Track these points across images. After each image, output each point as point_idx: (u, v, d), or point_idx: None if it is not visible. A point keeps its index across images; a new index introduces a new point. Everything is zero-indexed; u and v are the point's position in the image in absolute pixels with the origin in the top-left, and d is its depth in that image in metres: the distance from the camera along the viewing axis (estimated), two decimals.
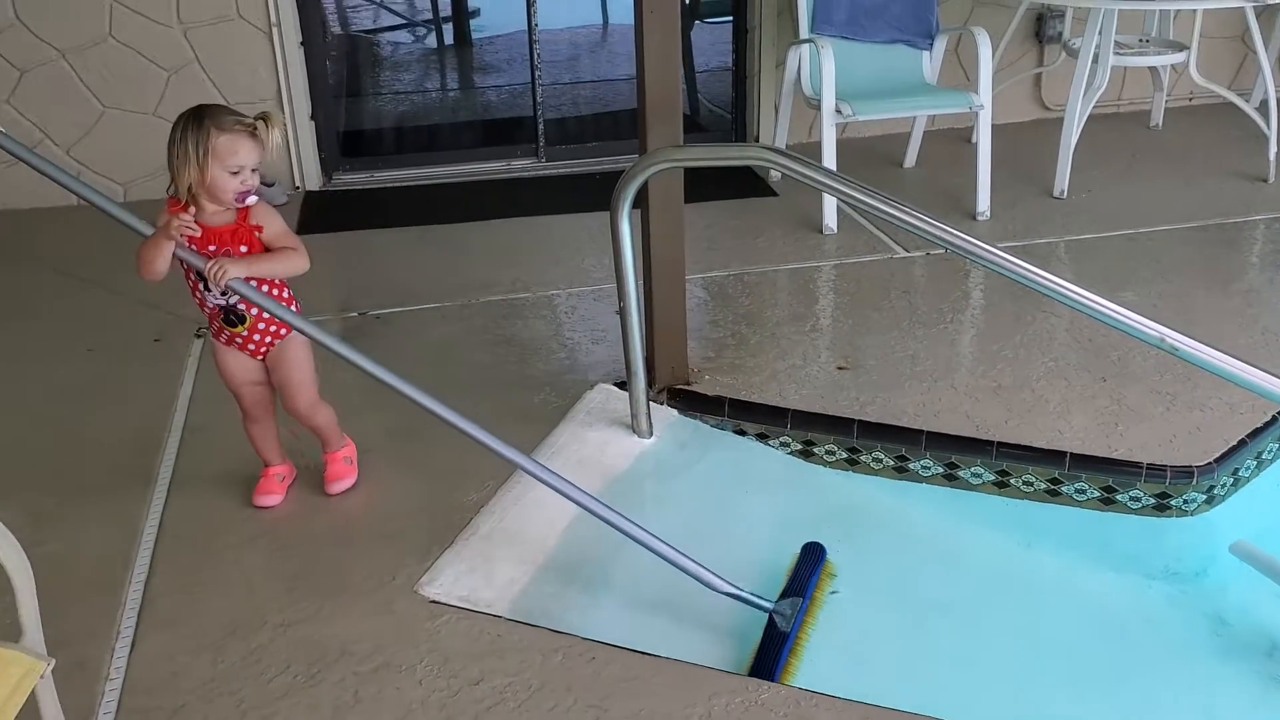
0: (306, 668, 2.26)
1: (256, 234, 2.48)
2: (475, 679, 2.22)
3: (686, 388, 3.22)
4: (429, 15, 8.04)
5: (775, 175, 5.01)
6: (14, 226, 4.68)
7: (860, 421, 3.02)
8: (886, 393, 3.20)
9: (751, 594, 2.39)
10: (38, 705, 1.75)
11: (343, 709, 2.15)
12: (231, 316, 2.57)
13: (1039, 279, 2.26)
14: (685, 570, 2.39)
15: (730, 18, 5.49)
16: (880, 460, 2.95)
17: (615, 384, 3.27)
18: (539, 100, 5.36)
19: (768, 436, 3.05)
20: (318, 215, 4.87)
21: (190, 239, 2.42)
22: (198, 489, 2.86)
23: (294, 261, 2.52)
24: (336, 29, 7.43)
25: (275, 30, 4.86)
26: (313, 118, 5.09)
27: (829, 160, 4.31)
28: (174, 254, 2.40)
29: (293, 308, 2.58)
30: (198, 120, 2.40)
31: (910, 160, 5.14)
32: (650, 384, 3.12)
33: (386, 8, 8.00)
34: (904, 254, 4.21)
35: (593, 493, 2.76)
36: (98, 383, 3.44)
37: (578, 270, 4.19)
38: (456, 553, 2.60)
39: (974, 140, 4.58)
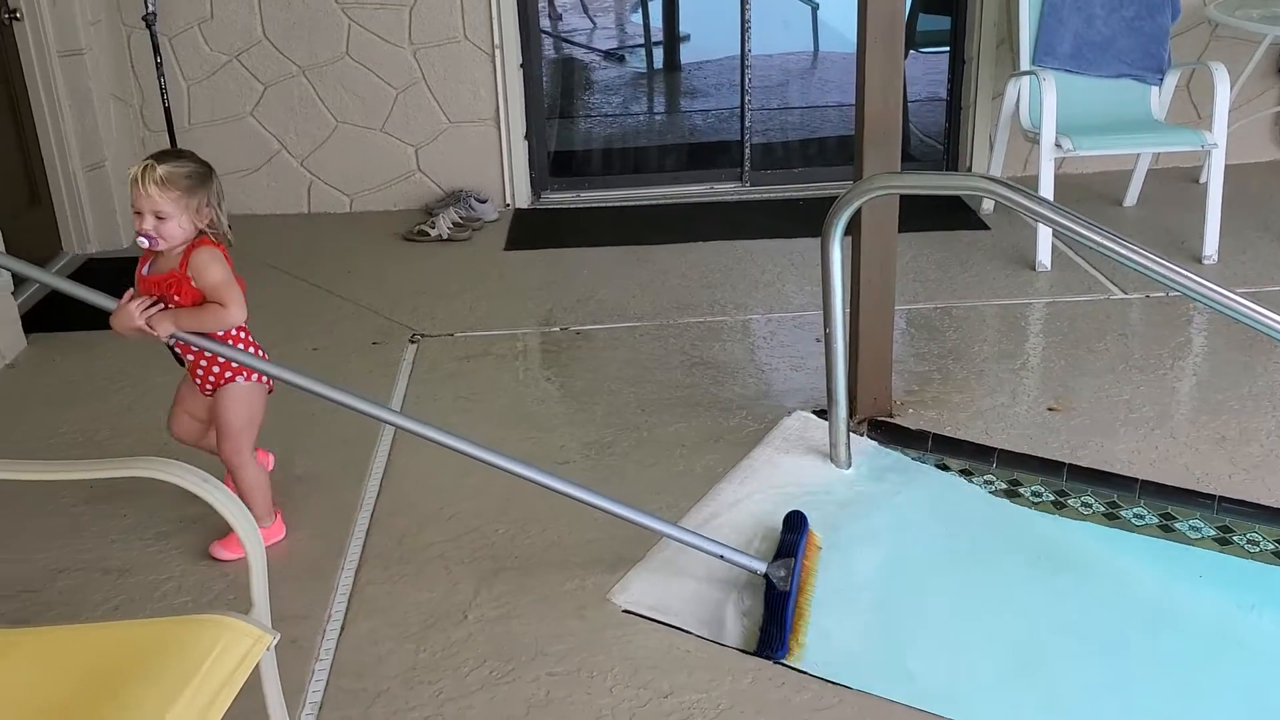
0: (502, 664, 2.32)
1: (189, 283, 2.48)
2: (665, 692, 2.23)
3: (888, 420, 3.16)
4: (640, 40, 8.20)
5: (987, 207, 4.88)
6: (252, 230, 4.99)
7: (1070, 465, 2.91)
8: (1099, 437, 3.06)
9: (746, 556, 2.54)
10: (260, 677, 1.85)
11: (535, 708, 2.20)
12: (175, 356, 2.65)
13: (1273, 324, 2.12)
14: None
15: (947, 48, 5.39)
16: (1090, 506, 2.82)
17: (814, 412, 3.25)
18: (747, 124, 5.38)
19: (971, 474, 2.97)
20: (526, 232, 5.02)
21: (140, 283, 2.51)
22: (407, 485, 2.99)
23: (218, 316, 2.48)
24: (551, 52, 7.67)
25: (498, 52, 5.05)
26: (526, 138, 5.26)
27: (1046, 194, 4.17)
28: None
29: (250, 350, 2.60)
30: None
31: (1131, 199, 4.92)
32: (851, 414, 3.08)
33: (589, 47, 8.20)
34: (1121, 295, 4.03)
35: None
36: (322, 378, 3.63)
37: (778, 295, 4.18)
38: (648, 564, 2.62)
39: (1203, 180, 4.36)
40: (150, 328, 2.44)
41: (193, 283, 2.48)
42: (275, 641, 1.78)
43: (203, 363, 2.61)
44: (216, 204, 2.50)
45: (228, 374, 2.62)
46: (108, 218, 4.81)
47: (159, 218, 2.43)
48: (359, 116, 5.13)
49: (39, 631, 1.83)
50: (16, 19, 4.39)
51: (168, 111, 4.91)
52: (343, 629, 2.44)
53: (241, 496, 2.59)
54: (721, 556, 2.52)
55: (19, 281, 4.06)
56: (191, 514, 2.80)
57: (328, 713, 2.21)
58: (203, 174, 2.48)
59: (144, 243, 2.47)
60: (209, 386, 2.65)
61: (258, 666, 1.78)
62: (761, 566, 2.50)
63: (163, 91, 4.88)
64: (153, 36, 4.79)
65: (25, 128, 4.50)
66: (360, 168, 5.20)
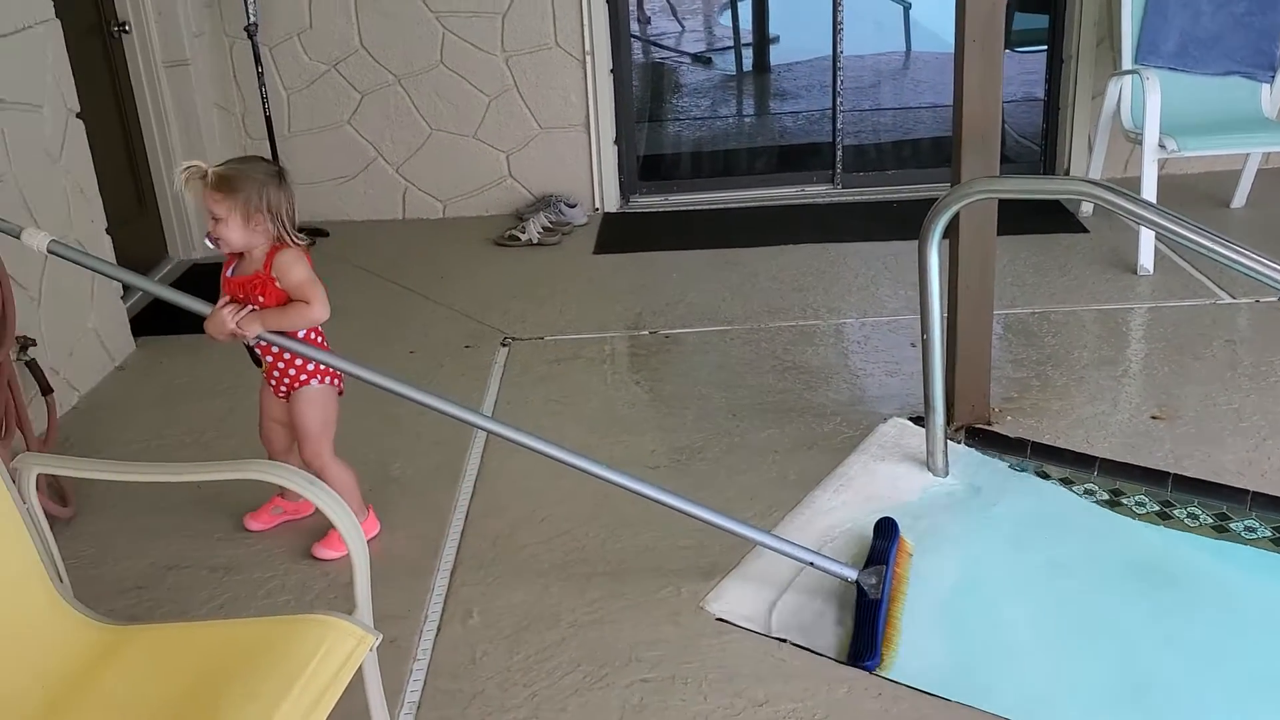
0: (596, 668, 2.33)
1: (274, 284, 2.54)
2: (760, 701, 2.22)
3: (986, 427, 3.11)
4: (729, 43, 8.18)
5: (1086, 210, 4.77)
6: (349, 236, 5.10)
7: (1176, 475, 2.83)
8: (1206, 447, 2.97)
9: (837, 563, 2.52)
10: (362, 677, 1.88)
11: (629, 713, 2.21)
12: (253, 356, 2.70)
13: None
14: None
15: (1045, 47, 5.28)
16: (1196, 517, 2.74)
17: (910, 419, 3.20)
18: (839, 126, 5.34)
19: (1071, 483, 2.90)
20: (615, 236, 5.04)
21: (225, 285, 2.58)
22: (500, 487, 3.02)
23: (303, 314, 2.53)
24: (640, 57, 7.69)
25: (589, 59, 5.09)
26: (616, 142, 5.28)
27: (1149, 197, 4.06)
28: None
29: (322, 349, 2.63)
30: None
31: (1239, 200, 4.77)
32: (948, 421, 3.03)
33: (678, 50, 8.20)
34: (1229, 300, 3.90)
35: None
36: (417, 381, 3.67)
37: (871, 300, 4.13)
38: (742, 573, 2.61)
39: None
40: (240, 330, 2.50)
41: (277, 283, 2.54)
42: (378, 642, 1.81)
43: (280, 364, 2.68)
44: (275, 212, 2.51)
45: (302, 376, 2.68)
46: (207, 234, 4.94)
47: (215, 219, 2.51)
48: (452, 124, 5.20)
49: (152, 629, 1.89)
50: (125, 32, 4.53)
51: (268, 120, 5.03)
52: (439, 630, 2.48)
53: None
54: (812, 564, 2.50)
55: (128, 286, 4.19)
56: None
57: (426, 713, 2.24)
58: (254, 180, 2.49)
59: (209, 244, 2.56)
60: (283, 389, 2.71)
61: (359, 666, 1.82)
62: (853, 574, 2.48)
63: (264, 100, 5.00)
64: (254, 47, 4.92)
65: (133, 137, 4.65)
66: (453, 174, 5.27)
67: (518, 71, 5.13)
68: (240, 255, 2.60)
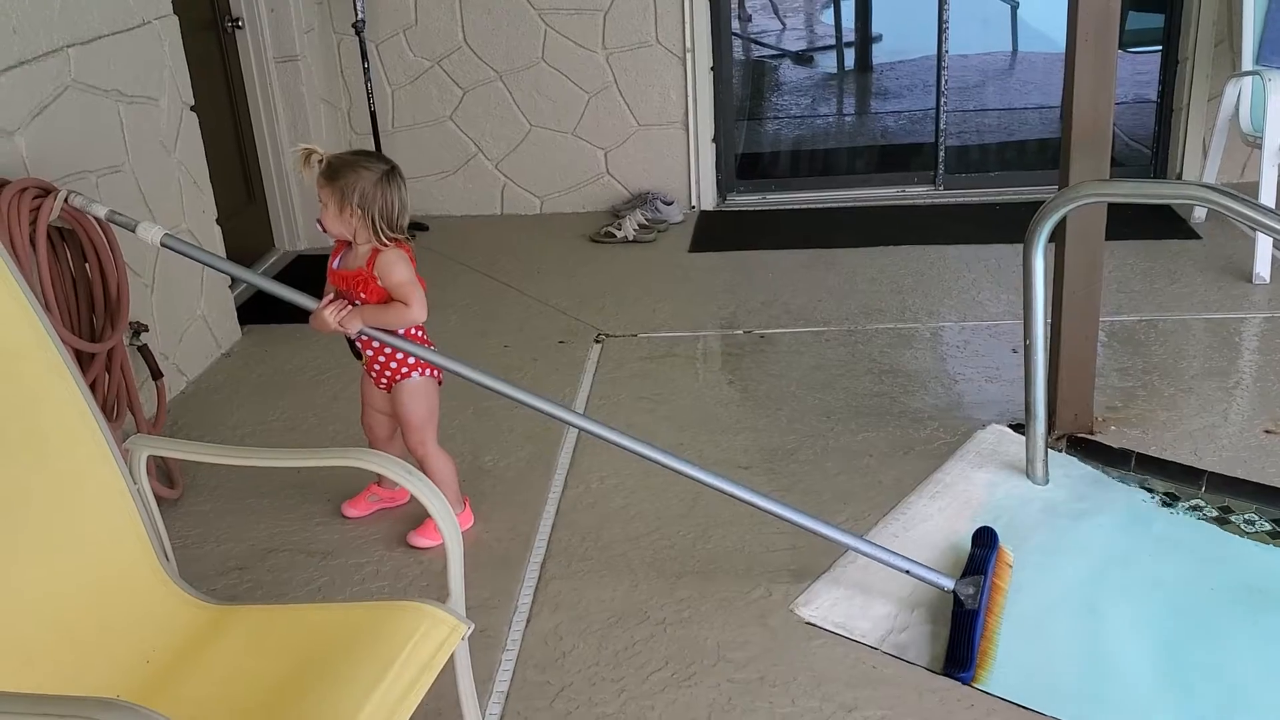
0: (684, 667, 2.32)
1: (375, 282, 2.58)
2: (849, 706, 2.20)
3: (1089, 436, 3.03)
4: (831, 41, 8.10)
5: (1198, 216, 4.62)
6: (448, 231, 5.18)
7: None
8: None
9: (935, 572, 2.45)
10: (453, 665, 1.90)
11: (717, 712, 2.20)
12: (353, 349, 2.73)
13: None
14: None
15: (1159, 48, 5.13)
16: None
17: (1009, 425, 3.14)
18: (941, 126, 5.25)
19: (1178, 498, 2.81)
20: (711, 234, 5.03)
21: (330, 277, 2.63)
22: (591, 483, 3.03)
23: (401, 314, 2.57)
24: (741, 54, 7.66)
25: (689, 56, 5.08)
26: (714, 140, 5.27)
27: (1268, 203, 3.91)
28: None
29: (425, 344, 2.68)
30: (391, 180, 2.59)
31: None
32: (1050, 429, 2.96)
33: (780, 48, 8.14)
34: None
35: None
36: (511, 375, 3.72)
37: (972, 303, 4.06)
38: (834, 578, 2.58)
39: None
40: (342, 327, 2.55)
41: (378, 281, 2.58)
42: (470, 631, 1.83)
43: (380, 358, 2.72)
44: (366, 208, 2.54)
45: (404, 370, 2.72)
46: (316, 217, 5.05)
47: (321, 204, 2.58)
48: (551, 120, 5.24)
49: (253, 609, 1.94)
50: (239, 27, 4.66)
51: (373, 115, 5.13)
52: (529, 621, 2.50)
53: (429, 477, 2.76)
54: (908, 572, 2.47)
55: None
56: None
57: (514, 703, 2.26)
58: (355, 173, 2.53)
59: (319, 227, 2.65)
60: (383, 381, 2.76)
61: (451, 654, 1.84)
62: (949, 583, 2.44)
63: (369, 95, 5.10)
64: (361, 43, 5.02)
65: (243, 130, 4.78)
66: (551, 170, 5.31)
67: (618, 69, 5.14)
68: (348, 246, 2.64)
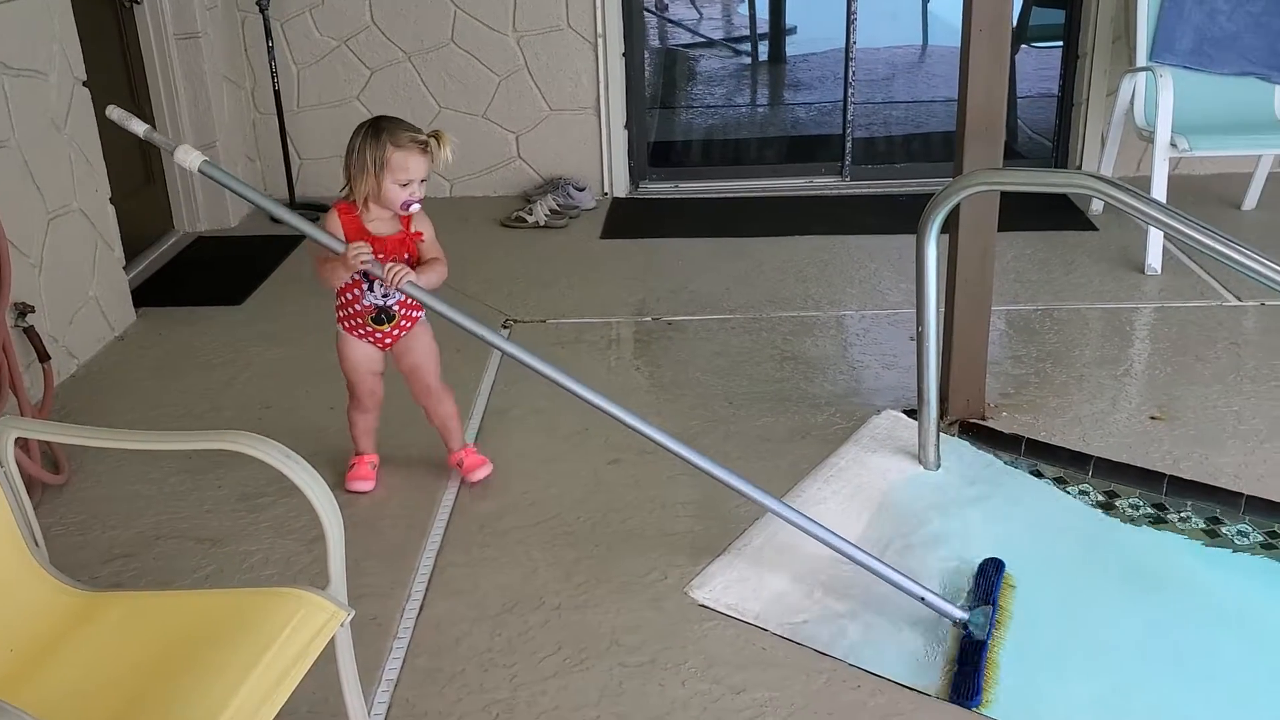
0: (577, 651, 2.32)
1: (418, 242, 2.64)
2: (738, 688, 2.21)
3: (981, 422, 3.08)
4: (745, 32, 8.15)
5: (1096, 208, 4.74)
6: None
7: (1171, 477, 2.80)
8: (1204, 449, 2.95)
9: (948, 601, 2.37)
10: (335, 652, 1.87)
11: (608, 697, 2.20)
12: (383, 316, 2.73)
13: None
14: (934, 607, 2.32)
15: (1061, 43, 5.24)
16: (1189, 521, 2.71)
17: (904, 411, 3.18)
18: (849, 118, 5.30)
19: (1066, 482, 2.88)
20: (623, 221, 5.02)
21: (376, 244, 2.58)
22: (492, 470, 3.00)
23: (443, 271, 2.68)
24: (655, 42, 7.66)
25: (600, 41, 5.06)
26: (626, 127, 5.26)
27: (1159, 196, 4.02)
28: (359, 267, 2.53)
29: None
30: (375, 133, 2.54)
31: (1250, 202, 4.72)
32: (942, 415, 3.02)
33: (697, 32, 8.16)
34: (1235, 302, 3.87)
35: (870, 520, 2.72)
36: None
37: (873, 292, 4.11)
38: (728, 561, 2.60)
39: None
40: (402, 285, 2.51)
41: (421, 240, 2.66)
42: (350, 617, 1.80)
43: (404, 320, 2.76)
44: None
45: (415, 313, 2.78)
46: (217, 197, 4.95)
47: (419, 181, 2.57)
48: (462, 103, 5.18)
49: (126, 596, 1.89)
50: (136, 2, 4.53)
51: (277, 94, 5.03)
52: (422, 609, 2.47)
53: (450, 419, 2.91)
54: (923, 600, 2.35)
55: (130, 256, 4.20)
56: (285, 486, 2.86)
57: (403, 690, 2.24)
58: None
59: (415, 208, 2.62)
60: (393, 338, 2.78)
61: (333, 641, 1.81)
62: (962, 615, 2.35)
63: (273, 75, 5.00)
64: (265, 21, 4.91)
65: (142, 108, 4.65)
66: (461, 153, 5.19)
67: (529, 52, 5.11)
68: (353, 213, 2.61)
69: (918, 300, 2.80)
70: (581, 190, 5.14)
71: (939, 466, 2.92)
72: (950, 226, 2.90)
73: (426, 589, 2.54)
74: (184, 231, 4.95)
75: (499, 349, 2.50)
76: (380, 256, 2.56)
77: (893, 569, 2.39)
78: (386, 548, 2.69)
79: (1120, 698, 2.20)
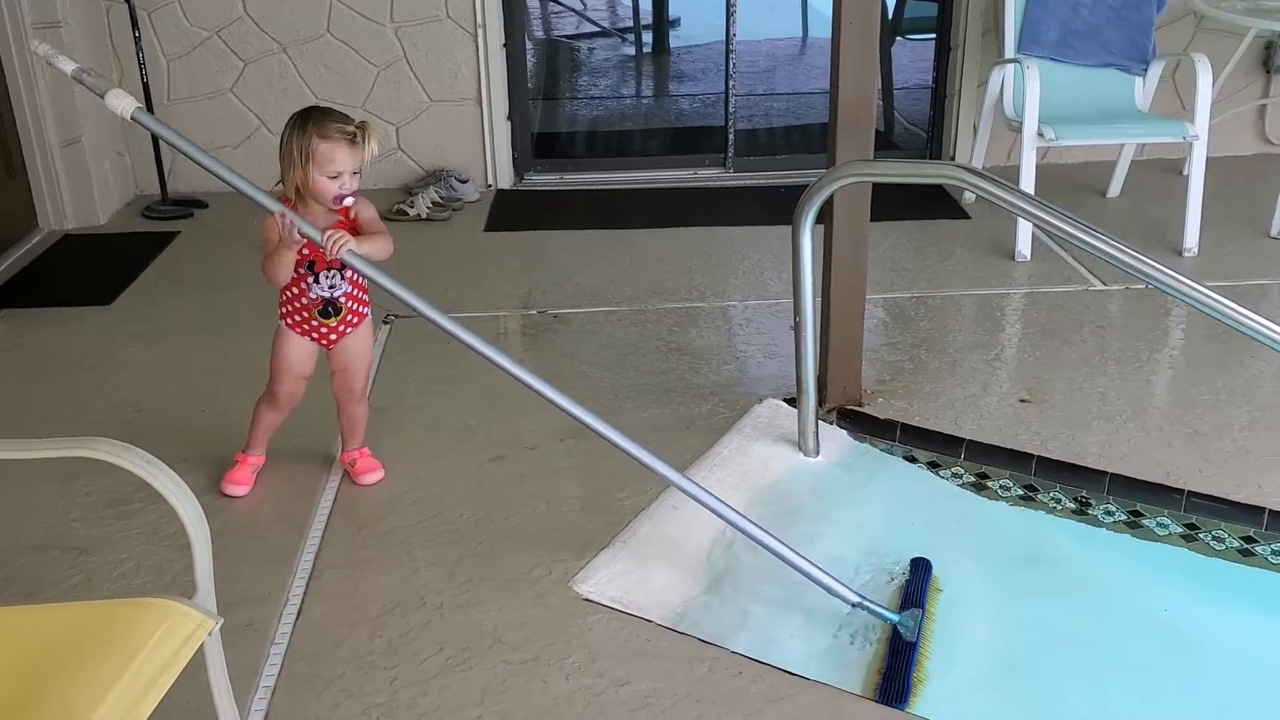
0: (459, 651, 2.30)
1: (358, 224, 2.62)
2: (621, 680, 2.22)
3: (858, 409, 3.14)
4: (629, 23, 8.15)
5: (969, 197, 4.86)
6: (232, 209, 4.95)
7: (1040, 458, 2.90)
8: (1071, 430, 3.05)
9: (877, 604, 2.36)
10: (205, 661, 1.82)
11: (491, 695, 2.19)
12: (329, 309, 2.68)
13: (1244, 319, 2.11)
14: (824, 586, 2.35)
15: (933, 35, 5.36)
16: (1059, 500, 2.81)
17: (785, 400, 3.23)
18: (731, 110, 5.35)
19: (939, 465, 2.95)
20: (507, 213, 4.99)
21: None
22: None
23: (386, 245, 2.62)
24: (538, 33, 7.62)
25: (480, 31, 5.01)
26: (509, 118, 5.22)
27: (1027, 185, 4.15)
28: (297, 237, 2.46)
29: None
30: (302, 125, 2.51)
31: (1114, 190, 4.91)
32: (821, 402, 3.07)
33: (587, 18, 8.15)
34: (1101, 287, 4.01)
35: (751, 508, 2.75)
36: None
37: (756, 283, 4.16)
38: (613, 554, 2.61)
39: (1186, 173, 4.33)
40: (342, 253, 2.42)
41: (359, 223, 2.61)
42: (219, 626, 1.76)
43: (351, 315, 2.72)
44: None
45: (363, 309, 2.75)
46: (84, 193, 4.77)
47: (356, 173, 2.51)
48: (340, 94, 5.08)
49: None
50: None
51: (146, 87, 4.86)
52: (300, 613, 2.42)
53: (360, 420, 2.88)
54: (859, 605, 2.37)
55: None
56: (154, 493, 2.77)
57: (281, 697, 2.19)
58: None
59: (349, 201, 2.54)
60: (337, 334, 2.72)
61: (201, 651, 1.76)
62: (895, 617, 2.34)
63: (141, 67, 4.83)
64: (131, 11, 4.74)
65: (1, 101, 4.45)
66: None
67: (407, 42, 5.03)
68: (294, 203, 2.56)
69: (795, 291, 2.84)
70: (464, 182, 5.09)
71: (818, 453, 2.97)
72: (825, 217, 2.95)
73: (304, 593, 2.49)
74: (49, 229, 4.76)
75: (444, 329, 2.46)
76: (305, 255, 2.53)
77: (798, 554, 2.39)
78: (263, 552, 2.63)
79: (997, 671, 2.26)
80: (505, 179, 5.29)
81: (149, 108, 4.88)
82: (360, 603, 2.46)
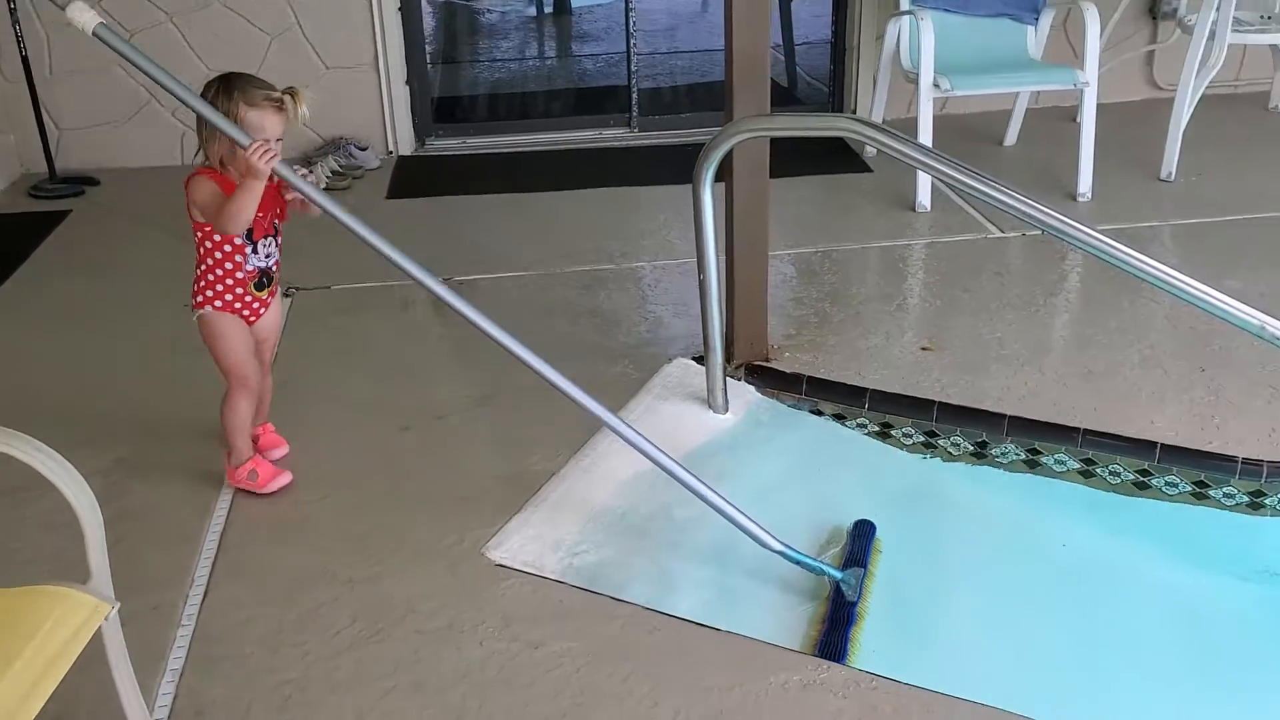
0: (371, 623, 2.29)
1: (279, 191, 2.57)
2: (536, 643, 2.22)
3: (765, 364, 3.17)
4: None
5: (870, 151, 4.91)
6: (124, 185, 4.83)
7: (940, 404, 2.95)
8: (970, 375, 3.11)
9: (812, 559, 2.38)
10: (105, 647, 1.79)
11: (405, 665, 2.18)
12: (264, 279, 2.63)
13: (1133, 261, 2.17)
14: (749, 533, 2.36)
15: None
16: (959, 444, 2.87)
17: (694, 358, 3.24)
18: (633, 69, 5.32)
19: (845, 416, 3.00)
20: (409, 180, 4.92)
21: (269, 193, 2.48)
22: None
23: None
24: None
25: None
26: (407, 83, 5.14)
27: (925, 136, 4.20)
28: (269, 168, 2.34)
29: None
30: (227, 93, 2.41)
31: (1011, 138, 5.00)
32: (729, 359, 3.09)
33: None
34: (999, 234, 4.09)
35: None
36: (189, 337, 3.50)
37: (664, 243, 4.16)
38: (524, 519, 2.60)
39: (1078, 119, 4.42)
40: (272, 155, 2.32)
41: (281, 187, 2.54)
42: (115, 610, 1.72)
43: (278, 272, 2.67)
44: None
45: (278, 275, 2.68)
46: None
47: (279, 140, 2.43)
48: (231, 63, 4.81)
49: None
50: None
51: (25, 60, 4.69)
52: (206, 593, 2.38)
53: (267, 393, 2.81)
54: (798, 561, 2.36)
55: None
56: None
57: (190, 679, 2.16)
58: None
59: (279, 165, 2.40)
60: (269, 298, 2.67)
61: (100, 636, 1.73)
62: (838, 574, 2.34)
63: (19, 39, 4.65)
64: None
65: None
66: None
67: (300, 9, 4.92)
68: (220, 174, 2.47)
69: (698, 249, 2.85)
70: (364, 150, 5.00)
71: (727, 410, 2.99)
72: (725, 174, 2.96)
73: (210, 573, 2.45)
74: None
75: (401, 268, 2.49)
76: (260, 216, 2.46)
77: (726, 500, 2.39)
78: (167, 534, 2.58)
79: (897, 609, 2.31)
80: (406, 145, 5.22)
81: (29, 81, 4.71)
82: (269, 580, 2.42)
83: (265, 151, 2.30)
